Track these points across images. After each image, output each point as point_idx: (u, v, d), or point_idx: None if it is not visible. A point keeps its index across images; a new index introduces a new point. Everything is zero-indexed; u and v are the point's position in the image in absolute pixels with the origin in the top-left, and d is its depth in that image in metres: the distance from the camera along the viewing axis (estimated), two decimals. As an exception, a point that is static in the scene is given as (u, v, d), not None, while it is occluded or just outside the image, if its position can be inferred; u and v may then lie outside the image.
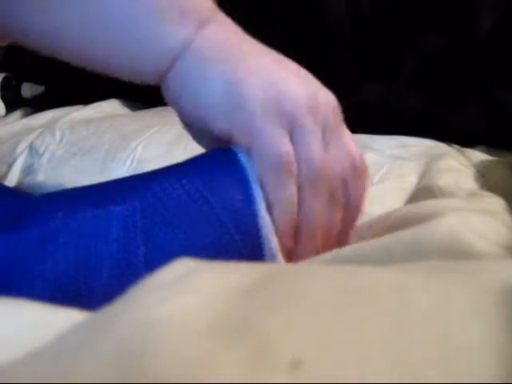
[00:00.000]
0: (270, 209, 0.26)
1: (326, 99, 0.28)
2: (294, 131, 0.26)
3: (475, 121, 0.60)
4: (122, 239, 0.24)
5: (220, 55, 0.28)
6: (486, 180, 0.47)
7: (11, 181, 0.55)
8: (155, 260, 0.24)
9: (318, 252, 0.27)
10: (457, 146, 0.58)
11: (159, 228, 0.25)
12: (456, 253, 0.21)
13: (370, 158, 0.50)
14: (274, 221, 0.26)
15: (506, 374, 0.12)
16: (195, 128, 0.30)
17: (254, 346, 0.12)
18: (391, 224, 0.28)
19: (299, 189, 0.27)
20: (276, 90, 0.26)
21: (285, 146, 0.26)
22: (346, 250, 0.25)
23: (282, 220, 0.26)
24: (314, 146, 0.26)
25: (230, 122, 0.27)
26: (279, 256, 0.27)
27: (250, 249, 0.26)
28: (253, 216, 0.26)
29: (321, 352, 0.12)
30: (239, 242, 0.26)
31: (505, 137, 0.58)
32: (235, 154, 0.28)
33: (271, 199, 0.26)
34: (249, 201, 0.26)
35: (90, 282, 0.24)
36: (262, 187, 0.26)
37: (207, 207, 0.26)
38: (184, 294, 0.14)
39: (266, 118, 0.26)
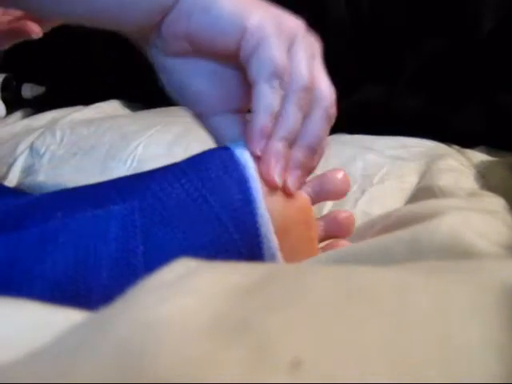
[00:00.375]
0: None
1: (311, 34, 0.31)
2: (290, 48, 0.29)
3: (475, 121, 0.60)
4: (121, 239, 0.24)
5: None
6: (487, 180, 0.47)
7: (11, 181, 0.55)
8: (154, 259, 0.24)
9: (281, 164, 0.28)
10: (457, 147, 0.58)
11: (158, 227, 0.25)
12: (456, 252, 0.21)
13: (370, 158, 0.50)
14: (252, 123, 0.28)
15: (507, 374, 0.12)
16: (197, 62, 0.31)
17: (254, 345, 0.12)
18: (391, 224, 0.28)
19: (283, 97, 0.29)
20: (277, 14, 0.29)
21: (283, 59, 0.28)
22: (346, 250, 0.25)
23: (260, 120, 0.28)
24: (305, 62, 0.29)
25: (239, 33, 0.28)
26: (278, 255, 0.27)
27: (249, 248, 0.26)
28: (252, 215, 0.26)
29: (321, 352, 0.12)
30: (238, 240, 0.26)
31: (505, 137, 0.58)
32: (234, 153, 0.28)
33: (257, 103, 0.28)
34: (248, 200, 0.26)
35: (89, 282, 0.24)
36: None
37: (206, 206, 0.26)
38: (184, 294, 0.14)
39: (273, 31, 0.28)
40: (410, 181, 0.47)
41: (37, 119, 0.70)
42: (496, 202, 0.30)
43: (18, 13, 0.46)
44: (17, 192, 0.42)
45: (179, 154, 0.52)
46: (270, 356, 0.12)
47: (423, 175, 0.47)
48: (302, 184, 0.30)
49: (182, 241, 0.25)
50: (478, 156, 0.55)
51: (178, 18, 0.29)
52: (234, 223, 0.25)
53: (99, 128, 0.60)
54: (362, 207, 0.32)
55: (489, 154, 0.57)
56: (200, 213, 0.25)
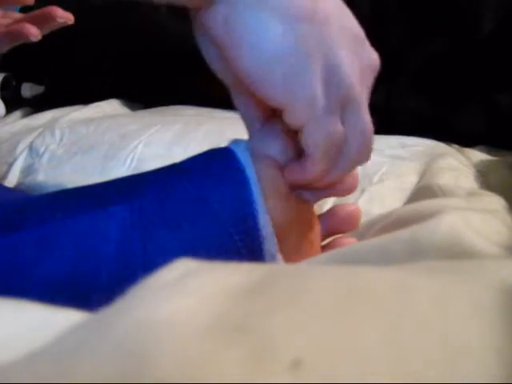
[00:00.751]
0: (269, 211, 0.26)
1: (374, 64, 0.29)
2: (345, 105, 0.27)
3: (475, 121, 0.60)
4: (121, 239, 0.24)
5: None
6: (486, 180, 0.47)
7: (11, 181, 0.55)
8: (154, 260, 0.24)
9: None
10: (457, 146, 0.58)
11: (158, 228, 0.25)
12: (456, 252, 0.21)
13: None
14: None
15: (506, 374, 0.12)
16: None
17: (255, 346, 0.12)
18: (391, 223, 0.29)
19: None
20: (336, 63, 0.26)
21: (339, 133, 0.27)
22: (346, 250, 0.25)
23: (306, 175, 0.27)
24: (362, 119, 0.28)
25: (287, 100, 0.26)
26: (279, 256, 0.27)
27: (249, 249, 0.26)
28: (252, 216, 0.26)
29: (321, 352, 0.12)
30: (238, 242, 0.26)
31: (505, 137, 0.58)
32: (235, 154, 0.28)
33: (309, 167, 0.27)
34: (248, 201, 0.26)
35: (88, 282, 0.24)
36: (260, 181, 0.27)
37: (206, 207, 0.26)
38: (184, 295, 0.14)
39: (324, 103, 0.26)
40: (410, 180, 0.47)
41: (36, 118, 0.70)
42: (496, 202, 0.30)
43: (17, 15, 0.46)
44: (16, 192, 0.42)
45: (179, 154, 0.53)
46: (271, 356, 0.12)
47: (423, 174, 0.48)
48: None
49: (181, 241, 0.25)
50: (478, 155, 0.55)
51: (214, 20, 0.26)
52: (234, 224, 0.25)
53: (99, 127, 0.60)
54: (362, 206, 0.32)
55: (489, 153, 0.57)
56: (200, 213, 0.25)
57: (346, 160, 0.28)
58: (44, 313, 0.15)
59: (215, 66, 0.29)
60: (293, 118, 0.26)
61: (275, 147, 0.28)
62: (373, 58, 0.29)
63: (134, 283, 0.15)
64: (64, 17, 0.41)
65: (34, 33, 0.41)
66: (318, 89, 0.26)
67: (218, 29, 0.26)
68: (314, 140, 0.27)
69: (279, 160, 0.28)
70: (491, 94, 0.59)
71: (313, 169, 0.27)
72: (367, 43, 0.29)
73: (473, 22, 0.58)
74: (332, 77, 0.26)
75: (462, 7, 0.58)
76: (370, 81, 0.29)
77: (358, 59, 0.27)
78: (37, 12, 0.42)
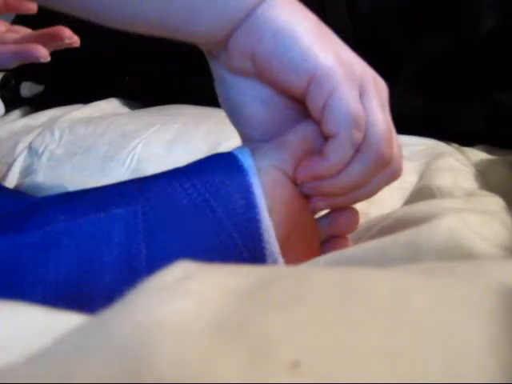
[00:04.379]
0: (271, 213, 0.26)
1: (381, 80, 0.30)
2: (362, 95, 0.28)
3: (475, 121, 0.60)
4: (124, 242, 0.24)
5: (296, 13, 0.28)
6: (486, 179, 0.47)
7: (11, 182, 0.55)
8: (157, 263, 0.24)
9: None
10: (456, 145, 0.58)
11: (161, 231, 0.25)
12: (455, 254, 0.21)
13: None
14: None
15: (506, 375, 0.12)
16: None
17: (254, 347, 0.12)
18: (389, 225, 0.29)
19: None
20: (348, 56, 0.28)
21: (361, 109, 0.27)
22: (344, 253, 0.25)
23: (331, 168, 0.28)
24: (378, 110, 0.28)
25: (310, 75, 0.27)
26: (280, 260, 0.27)
27: (251, 253, 0.26)
28: (255, 220, 0.26)
29: (320, 353, 0.12)
30: (241, 245, 0.26)
31: (504, 136, 0.58)
32: (238, 158, 0.28)
33: (333, 151, 0.27)
34: (251, 205, 0.26)
35: (92, 286, 0.24)
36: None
37: (209, 211, 0.26)
38: (183, 297, 0.14)
39: (345, 77, 0.27)
40: (410, 180, 0.47)
41: (35, 118, 0.70)
42: (495, 202, 0.30)
43: (24, 30, 0.46)
44: (18, 194, 0.42)
45: (179, 154, 0.53)
46: (269, 357, 0.12)
47: (422, 174, 0.47)
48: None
49: (184, 245, 0.25)
50: (478, 154, 0.55)
51: (247, 35, 0.28)
52: (236, 228, 0.26)
53: (98, 127, 0.60)
54: (361, 207, 0.32)
55: (488, 152, 0.57)
56: (203, 217, 0.25)
57: (366, 153, 0.28)
58: (45, 316, 0.15)
59: (250, 109, 0.30)
60: (317, 93, 0.27)
61: (281, 157, 0.29)
62: (381, 83, 0.30)
63: (136, 286, 0.15)
64: (71, 38, 0.42)
65: (44, 54, 0.41)
66: (336, 63, 0.27)
67: (248, 43, 0.28)
68: (338, 115, 0.27)
69: (284, 167, 0.28)
70: (491, 94, 0.59)
71: (336, 152, 0.27)
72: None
73: (473, 21, 0.58)
74: (345, 64, 0.27)
75: (462, 7, 0.58)
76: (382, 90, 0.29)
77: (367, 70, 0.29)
78: (45, 31, 0.43)
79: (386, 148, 0.28)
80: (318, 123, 0.29)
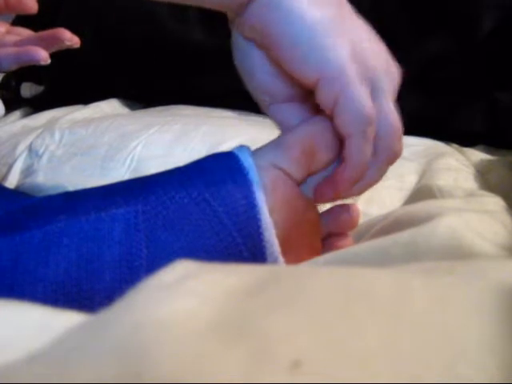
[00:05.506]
0: (271, 212, 0.27)
1: (395, 66, 0.30)
2: (373, 91, 0.28)
3: (475, 121, 0.60)
4: (125, 242, 0.25)
5: None
6: (486, 179, 0.47)
7: (11, 183, 0.55)
8: (157, 263, 0.24)
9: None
10: (456, 146, 0.58)
11: (162, 231, 0.25)
12: (455, 254, 0.21)
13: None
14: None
15: (505, 375, 0.12)
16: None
17: (254, 346, 0.12)
18: (390, 225, 0.29)
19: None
20: (363, 45, 0.28)
21: (372, 107, 0.27)
22: (345, 252, 0.25)
23: (353, 172, 0.28)
24: (389, 109, 0.28)
25: (319, 71, 0.27)
26: (281, 259, 0.27)
27: (252, 252, 0.26)
28: (255, 220, 0.26)
29: (320, 352, 0.12)
30: (241, 245, 0.26)
31: (504, 136, 0.58)
32: (238, 158, 0.28)
33: (351, 155, 0.28)
34: (251, 204, 0.26)
35: (92, 285, 0.24)
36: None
37: (210, 210, 0.26)
38: (183, 296, 0.14)
39: (355, 75, 0.27)
40: (410, 180, 0.47)
41: (36, 119, 0.70)
42: (494, 202, 0.30)
43: (24, 32, 0.46)
44: (18, 194, 0.42)
45: (178, 154, 0.53)
46: (270, 357, 0.12)
47: (423, 174, 0.47)
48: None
49: (185, 244, 0.25)
50: (478, 155, 0.55)
51: (259, 10, 0.27)
52: (237, 227, 0.26)
53: (98, 128, 0.60)
54: (361, 207, 0.32)
55: (488, 152, 0.57)
56: (203, 217, 0.25)
57: (379, 154, 0.28)
58: (46, 315, 0.15)
59: (260, 76, 0.30)
60: (326, 90, 0.27)
61: (282, 156, 0.29)
62: (393, 69, 0.30)
63: (136, 285, 0.15)
64: (71, 40, 0.42)
65: (44, 57, 0.41)
66: (348, 60, 0.27)
67: (262, 19, 0.27)
68: (349, 116, 0.27)
69: (284, 166, 0.28)
70: (491, 94, 0.59)
71: (355, 153, 0.27)
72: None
73: (473, 21, 0.58)
74: (358, 57, 0.27)
75: (462, 7, 0.58)
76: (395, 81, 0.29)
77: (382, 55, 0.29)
78: (46, 33, 0.43)
79: (398, 146, 0.29)
80: (318, 123, 0.29)
